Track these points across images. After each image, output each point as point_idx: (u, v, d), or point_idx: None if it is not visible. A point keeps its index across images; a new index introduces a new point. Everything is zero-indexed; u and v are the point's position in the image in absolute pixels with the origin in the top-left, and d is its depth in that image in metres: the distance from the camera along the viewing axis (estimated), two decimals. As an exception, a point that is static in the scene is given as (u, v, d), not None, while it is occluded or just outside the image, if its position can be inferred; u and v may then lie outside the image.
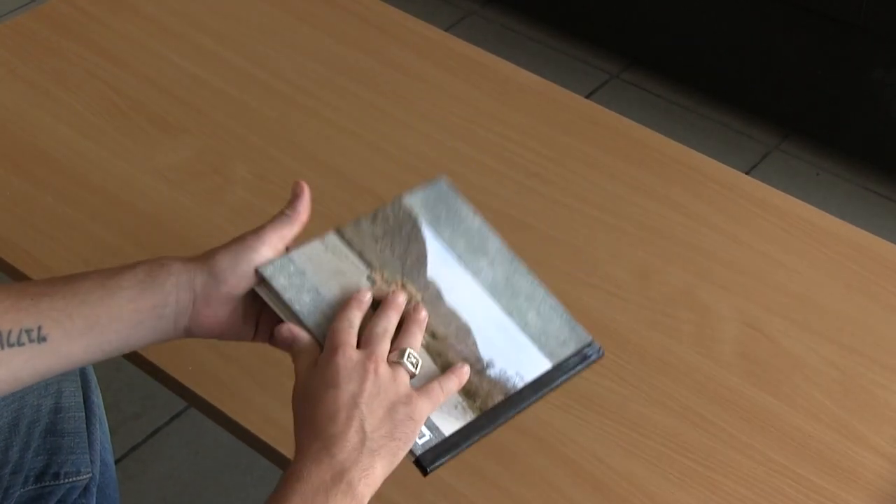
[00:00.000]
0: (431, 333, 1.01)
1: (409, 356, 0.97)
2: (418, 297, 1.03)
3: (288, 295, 0.97)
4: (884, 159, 2.61)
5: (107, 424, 1.29)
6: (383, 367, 0.95)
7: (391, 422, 0.93)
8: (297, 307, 0.97)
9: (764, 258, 1.36)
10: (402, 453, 0.94)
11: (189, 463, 1.97)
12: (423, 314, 1.00)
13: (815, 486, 1.13)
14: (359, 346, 0.96)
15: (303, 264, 1.00)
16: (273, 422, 1.14)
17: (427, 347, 1.00)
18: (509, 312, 1.04)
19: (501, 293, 1.05)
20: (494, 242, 1.08)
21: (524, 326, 1.04)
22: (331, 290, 1.00)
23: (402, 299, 1.00)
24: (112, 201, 1.38)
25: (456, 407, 0.98)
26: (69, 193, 1.38)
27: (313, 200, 1.36)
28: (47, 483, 1.21)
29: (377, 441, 0.93)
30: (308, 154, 1.46)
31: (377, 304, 1.00)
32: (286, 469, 0.94)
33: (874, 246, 1.38)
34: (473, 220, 1.09)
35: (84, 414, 1.23)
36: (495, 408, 0.99)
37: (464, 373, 1.00)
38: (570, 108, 1.56)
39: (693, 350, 1.24)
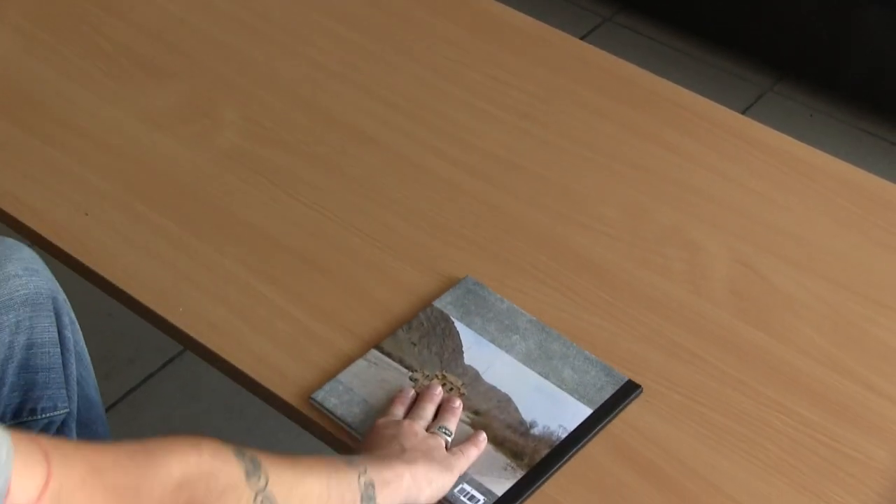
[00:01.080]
0: (475, 411, 1.10)
1: (443, 429, 1.07)
2: (458, 383, 1.12)
3: (339, 412, 1.09)
4: (877, 100, 2.60)
5: (88, 360, 1.29)
6: (419, 427, 1.06)
7: (429, 452, 1.03)
8: (349, 420, 1.09)
9: (755, 196, 1.35)
10: (443, 478, 1.02)
11: (183, 407, 1.95)
12: (457, 402, 1.10)
13: (804, 419, 1.13)
14: None
15: (350, 382, 1.11)
16: (263, 361, 1.15)
17: (473, 424, 1.08)
18: (545, 375, 1.12)
19: (536, 360, 1.14)
20: (524, 318, 1.17)
21: (561, 384, 1.12)
22: (378, 398, 1.10)
23: (437, 390, 1.10)
24: (100, 146, 1.37)
25: (505, 469, 1.05)
26: (57, 138, 1.37)
27: (304, 143, 1.38)
28: (24, 419, 1.23)
29: (415, 455, 1.02)
30: (298, 97, 1.45)
31: None
32: None
33: (866, 183, 1.37)
34: (502, 304, 1.18)
35: (59, 349, 1.23)
36: (543, 461, 1.06)
37: (480, 440, 1.07)
38: (562, 49, 1.55)
39: (683, 287, 1.24)
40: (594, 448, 1.08)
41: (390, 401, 1.09)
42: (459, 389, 1.12)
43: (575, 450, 1.07)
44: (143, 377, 1.98)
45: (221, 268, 1.23)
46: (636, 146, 1.40)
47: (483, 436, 1.08)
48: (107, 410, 1.86)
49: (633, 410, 1.12)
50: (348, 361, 1.13)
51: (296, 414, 1.11)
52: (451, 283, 1.22)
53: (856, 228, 1.32)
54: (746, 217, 1.32)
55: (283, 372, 1.13)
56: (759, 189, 1.35)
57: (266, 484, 0.87)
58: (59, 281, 1.22)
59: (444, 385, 1.12)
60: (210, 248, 1.25)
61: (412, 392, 1.11)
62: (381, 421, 1.06)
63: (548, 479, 1.05)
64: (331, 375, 1.12)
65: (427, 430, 1.06)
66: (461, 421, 1.09)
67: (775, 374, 1.16)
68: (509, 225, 1.30)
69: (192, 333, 1.16)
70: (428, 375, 1.13)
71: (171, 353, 2.02)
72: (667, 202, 1.33)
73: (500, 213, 1.31)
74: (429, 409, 1.08)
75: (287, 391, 1.12)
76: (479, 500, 1.03)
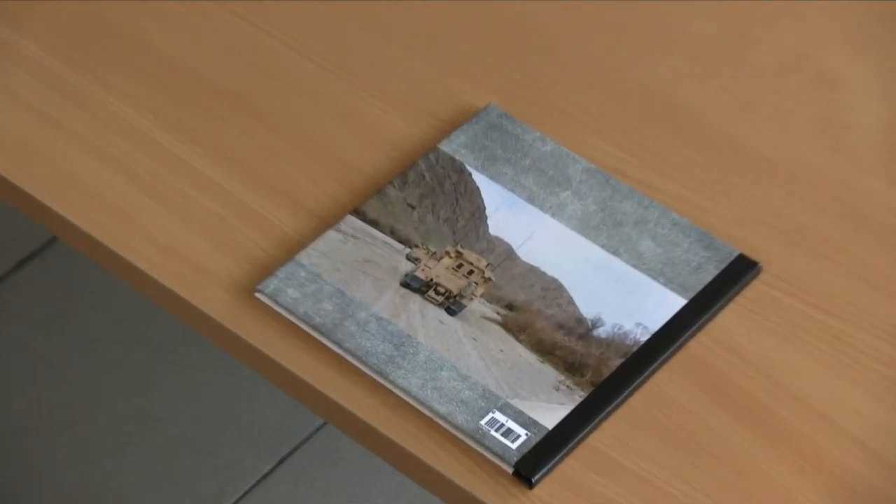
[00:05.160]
0: (508, 304, 1.07)
1: None
2: (481, 263, 1.09)
3: (302, 310, 1.05)
4: None
5: None
6: None
7: None
8: (317, 321, 1.04)
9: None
10: None
11: (45, 329, 1.93)
12: None
13: None
14: None
15: (316, 265, 1.08)
16: (174, 251, 1.11)
17: (505, 324, 1.06)
18: (613, 250, 1.10)
19: (598, 227, 1.11)
20: (578, 164, 1.15)
21: (637, 262, 1.10)
22: (360, 289, 1.07)
23: None
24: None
25: (558, 389, 1.02)
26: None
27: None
28: None
29: None
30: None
31: (425, 290, 1.07)
32: None
33: None
34: (544, 144, 1.16)
35: None
36: (614, 376, 1.03)
37: None
38: None
39: (814, 142, 1.19)
40: (666, 374, 1.05)
41: None
42: (483, 273, 1.09)
43: (662, 358, 1.04)
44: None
45: (114, 115, 1.21)
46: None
47: None
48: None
49: (726, 324, 1.07)
50: (301, 248, 1.11)
51: (222, 332, 1.08)
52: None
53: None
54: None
55: (204, 267, 1.10)
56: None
57: None
58: None
59: (459, 267, 1.09)
60: (97, 87, 1.23)
61: None
62: None
63: (622, 402, 1.02)
64: (278, 267, 1.09)
65: None
66: (488, 319, 1.07)
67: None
68: (546, 47, 1.27)
69: (62, 211, 1.14)
70: (435, 253, 1.10)
71: (33, 245, 1.97)
72: (785, 19, 1.29)
73: (532, 30, 1.29)
74: None
75: (211, 296, 1.09)
76: (518, 436, 0.99)
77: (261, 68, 1.25)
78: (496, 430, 1.00)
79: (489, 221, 1.12)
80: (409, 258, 1.09)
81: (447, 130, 1.18)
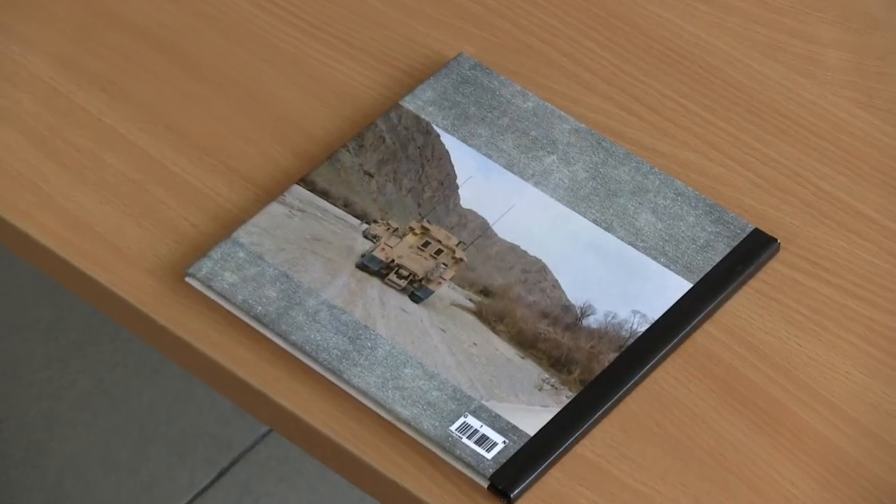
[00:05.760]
0: (482, 289, 1.06)
1: None
2: (452, 241, 1.08)
3: (241, 297, 1.04)
4: None
5: None
6: None
7: None
8: (258, 310, 1.03)
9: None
10: None
11: None
12: None
13: None
14: None
15: (257, 245, 1.07)
16: (85, 226, 1.07)
17: (479, 311, 1.05)
18: (606, 224, 1.09)
19: (588, 197, 1.11)
20: (564, 123, 1.14)
21: (635, 239, 1.09)
22: (309, 272, 1.06)
23: None
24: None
25: (541, 388, 1.01)
26: None
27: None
28: None
29: None
30: None
31: (385, 272, 1.06)
32: None
33: None
34: (525, 100, 1.15)
35: None
36: (607, 373, 1.02)
37: None
38: None
39: (841, 97, 1.16)
40: (668, 370, 1.03)
41: None
42: (453, 252, 1.07)
43: (664, 352, 1.03)
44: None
45: (14, 65, 1.19)
46: None
47: None
48: None
49: (739, 311, 1.05)
50: (239, 224, 1.09)
51: (147, 323, 1.05)
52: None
53: None
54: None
55: (124, 246, 1.07)
56: None
57: None
58: None
59: (426, 245, 1.08)
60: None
61: None
62: None
63: (617, 404, 1.01)
64: (211, 247, 1.07)
65: None
66: (459, 307, 1.05)
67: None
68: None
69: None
70: (397, 229, 1.08)
71: None
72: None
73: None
74: None
75: (132, 280, 1.06)
76: (495, 444, 0.98)
77: (189, 8, 1.24)
78: (469, 438, 0.98)
79: (460, 192, 1.11)
80: (366, 235, 1.08)
81: (411, 84, 1.18)
